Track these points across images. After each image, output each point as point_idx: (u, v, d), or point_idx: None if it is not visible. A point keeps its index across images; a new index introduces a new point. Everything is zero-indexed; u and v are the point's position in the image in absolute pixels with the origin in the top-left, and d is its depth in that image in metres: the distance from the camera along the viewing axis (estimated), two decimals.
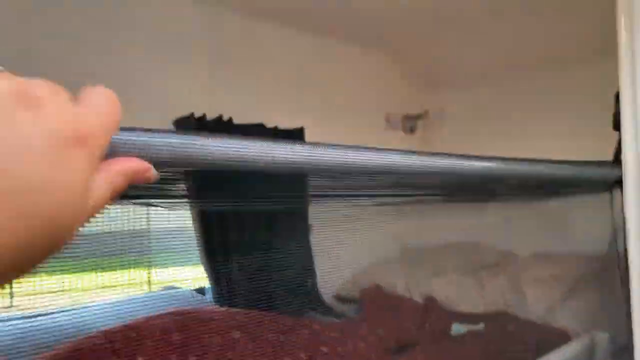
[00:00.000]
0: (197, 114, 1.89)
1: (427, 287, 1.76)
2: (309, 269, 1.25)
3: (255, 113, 2.07)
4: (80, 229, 0.26)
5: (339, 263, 1.02)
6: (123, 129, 0.36)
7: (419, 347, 1.42)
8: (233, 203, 0.92)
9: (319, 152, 0.49)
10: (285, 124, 2.17)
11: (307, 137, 2.23)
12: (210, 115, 1.93)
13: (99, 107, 0.27)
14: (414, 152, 0.61)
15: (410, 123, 2.72)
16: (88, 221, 0.27)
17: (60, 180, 0.23)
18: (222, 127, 1.93)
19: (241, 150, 0.41)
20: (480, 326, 1.62)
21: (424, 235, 1.28)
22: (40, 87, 0.24)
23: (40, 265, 0.25)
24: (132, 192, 0.58)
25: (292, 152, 0.45)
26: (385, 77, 2.70)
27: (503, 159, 0.79)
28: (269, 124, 2.11)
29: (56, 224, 0.24)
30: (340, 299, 1.79)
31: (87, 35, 1.75)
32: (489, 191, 1.06)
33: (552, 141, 1.94)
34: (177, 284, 1.44)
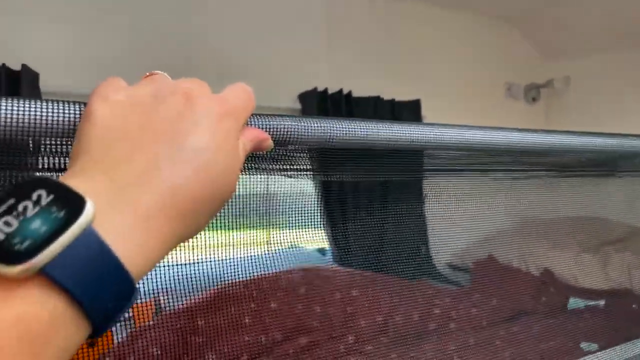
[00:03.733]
0: (320, 88, 2.01)
1: (545, 260, 1.73)
2: (422, 237, 1.31)
3: (373, 86, 2.14)
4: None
5: (453, 233, 1.07)
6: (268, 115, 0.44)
7: (533, 317, 1.44)
8: (354, 176, 0.99)
9: (439, 132, 0.56)
10: (404, 96, 2.21)
11: (425, 108, 2.25)
12: (332, 89, 2.03)
13: (237, 93, 0.35)
14: (531, 131, 0.65)
15: (532, 93, 2.60)
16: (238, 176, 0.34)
17: (222, 142, 0.32)
18: (342, 100, 2.03)
19: (380, 132, 0.50)
20: (601, 302, 1.58)
21: (541, 208, 1.27)
22: (193, 86, 0.32)
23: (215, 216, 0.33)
24: (269, 165, 0.68)
25: (418, 131, 0.53)
26: (507, 45, 2.60)
27: (626, 136, 0.79)
28: (387, 97, 2.17)
29: (227, 174, 0.32)
30: (454, 267, 1.82)
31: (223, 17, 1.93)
32: (612, 166, 1.04)
33: None
34: (301, 245, 1.59)
